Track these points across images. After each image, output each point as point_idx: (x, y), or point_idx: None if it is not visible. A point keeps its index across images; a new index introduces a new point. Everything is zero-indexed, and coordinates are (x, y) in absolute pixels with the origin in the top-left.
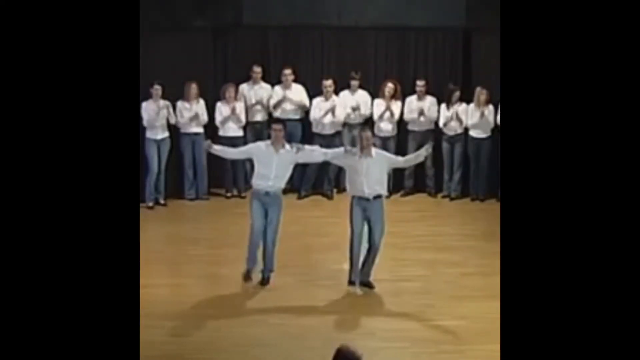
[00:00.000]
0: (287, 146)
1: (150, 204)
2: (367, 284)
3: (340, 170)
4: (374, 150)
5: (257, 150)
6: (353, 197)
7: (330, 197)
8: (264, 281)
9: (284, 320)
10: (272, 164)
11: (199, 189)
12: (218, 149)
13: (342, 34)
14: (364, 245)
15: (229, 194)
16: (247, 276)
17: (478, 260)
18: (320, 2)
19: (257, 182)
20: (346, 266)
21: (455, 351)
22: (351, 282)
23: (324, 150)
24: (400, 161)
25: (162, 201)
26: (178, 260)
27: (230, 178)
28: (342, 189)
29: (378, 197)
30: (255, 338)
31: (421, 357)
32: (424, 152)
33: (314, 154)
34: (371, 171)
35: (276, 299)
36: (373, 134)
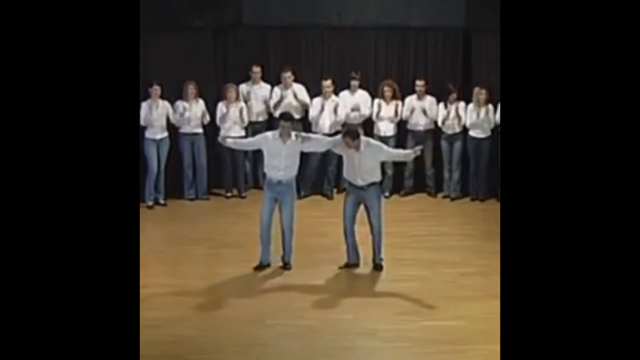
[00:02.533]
0: (293, 136)
1: (150, 203)
2: (376, 267)
3: (340, 171)
4: (362, 144)
5: (265, 141)
6: (348, 184)
7: (330, 197)
8: (286, 266)
9: (283, 320)
10: (282, 155)
11: (199, 188)
12: (230, 142)
13: (342, 34)
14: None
15: (228, 194)
16: (258, 268)
17: (478, 260)
18: (320, 2)
19: (269, 172)
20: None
21: (455, 351)
22: (347, 265)
23: (328, 139)
24: (392, 153)
25: (161, 201)
26: (178, 260)
27: (230, 178)
28: (342, 189)
29: (372, 184)
30: (255, 338)
31: (421, 357)
32: (413, 153)
33: (318, 143)
34: (363, 163)
35: (276, 299)
36: (372, 135)
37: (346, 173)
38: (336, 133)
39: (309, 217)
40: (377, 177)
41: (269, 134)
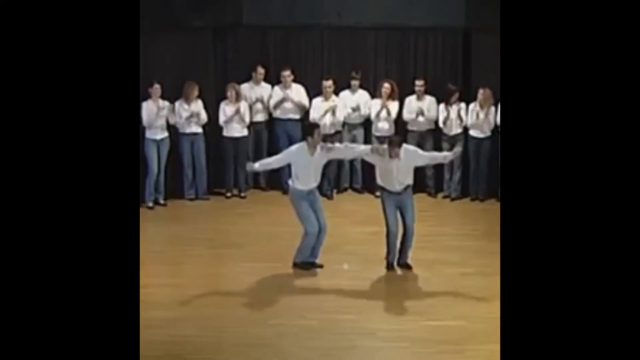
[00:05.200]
0: (319, 148)
1: (150, 204)
2: (405, 265)
3: (339, 171)
4: (402, 152)
5: (292, 156)
6: (383, 190)
7: (330, 197)
8: (316, 265)
9: (284, 320)
10: (311, 167)
11: (199, 189)
12: (257, 166)
13: (342, 34)
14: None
15: (229, 194)
16: (299, 266)
17: (478, 260)
18: (320, 2)
19: (298, 185)
20: (346, 266)
21: (455, 351)
22: (389, 267)
23: (355, 148)
24: (429, 157)
25: (162, 201)
26: (178, 260)
27: (231, 178)
28: (342, 189)
29: (407, 187)
30: (256, 338)
31: (421, 357)
32: (452, 155)
33: (345, 151)
34: (401, 170)
35: (277, 299)
36: (371, 134)
37: (381, 181)
38: (336, 133)
39: None
40: (411, 180)
41: (293, 148)
